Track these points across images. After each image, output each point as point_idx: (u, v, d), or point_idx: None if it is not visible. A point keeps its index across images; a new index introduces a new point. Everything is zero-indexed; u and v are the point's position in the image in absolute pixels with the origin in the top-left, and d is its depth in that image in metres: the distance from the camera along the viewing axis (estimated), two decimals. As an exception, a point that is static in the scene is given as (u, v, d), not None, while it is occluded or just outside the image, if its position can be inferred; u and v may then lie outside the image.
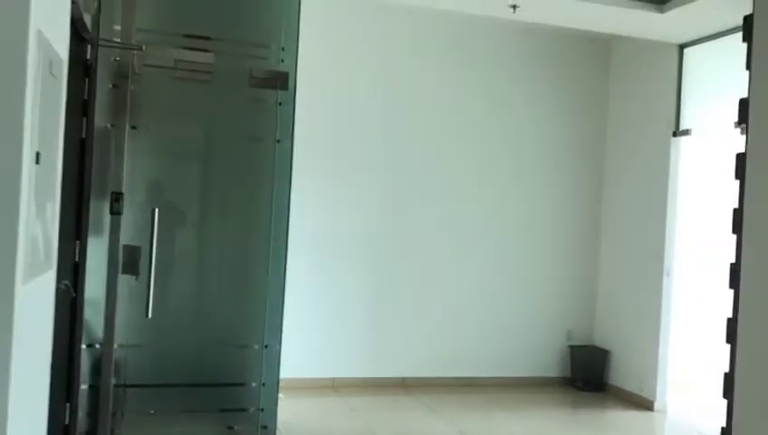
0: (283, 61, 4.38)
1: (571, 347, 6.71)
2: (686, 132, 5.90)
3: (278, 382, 4.45)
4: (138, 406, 4.23)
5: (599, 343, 6.71)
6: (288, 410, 4.87)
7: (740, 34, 2.53)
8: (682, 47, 5.99)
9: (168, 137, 4.38)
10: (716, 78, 5.69)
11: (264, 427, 4.35)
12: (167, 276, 4.30)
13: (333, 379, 6.11)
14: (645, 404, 6.01)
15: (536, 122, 6.69)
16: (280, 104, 4.34)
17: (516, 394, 6.27)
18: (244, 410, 4.45)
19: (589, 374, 6.55)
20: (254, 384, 4.38)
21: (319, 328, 6.10)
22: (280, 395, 4.49)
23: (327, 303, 6.14)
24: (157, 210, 3.95)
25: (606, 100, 6.85)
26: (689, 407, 6.13)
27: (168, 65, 4.14)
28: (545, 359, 6.71)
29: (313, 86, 5.54)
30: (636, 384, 6.19)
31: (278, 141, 4.33)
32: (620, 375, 6.39)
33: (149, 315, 3.92)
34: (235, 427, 4.43)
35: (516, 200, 6.65)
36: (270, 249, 4.34)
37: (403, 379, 6.29)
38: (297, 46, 4.39)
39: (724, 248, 6.66)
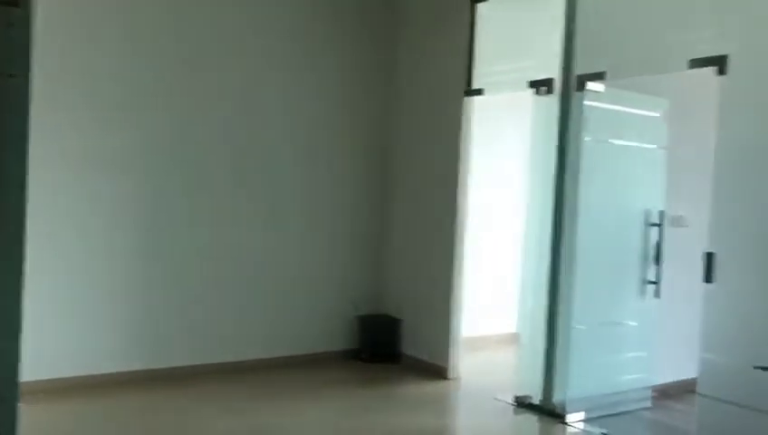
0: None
1: (360, 317, 6.32)
2: (479, 92, 5.71)
3: (17, 392, 3.37)
4: None
5: (389, 311, 6.41)
6: (37, 420, 3.78)
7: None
8: (474, 1, 5.75)
9: None
10: (510, 35, 5.54)
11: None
12: None
13: (96, 375, 5.03)
14: (439, 373, 5.83)
15: (319, 77, 6.09)
16: (11, 26, 3.18)
17: (304, 375, 5.72)
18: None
19: (380, 345, 6.22)
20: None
21: (73, 319, 4.98)
22: (22, 405, 3.41)
23: (79, 290, 5.02)
24: None
25: (395, 56, 6.45)
26: (482, 372, 6.09)
27: None
28: (332, 332, 6.24)
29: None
30: (429, 352, 5.99)
31: (10, 76, 3.18)
32: (413, 344, 6.15)
33: None
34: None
35: (293, 162, 6.01)
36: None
37: (173, 369, 5.38)
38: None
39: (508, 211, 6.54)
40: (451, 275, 5.81)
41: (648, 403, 5.26)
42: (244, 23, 5.71)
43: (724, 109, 3.99)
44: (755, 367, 3.81)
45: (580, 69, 4.89)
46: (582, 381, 4.91)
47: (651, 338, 5.28)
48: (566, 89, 4.97)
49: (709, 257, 4.01)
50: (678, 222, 5.51)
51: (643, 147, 5.22)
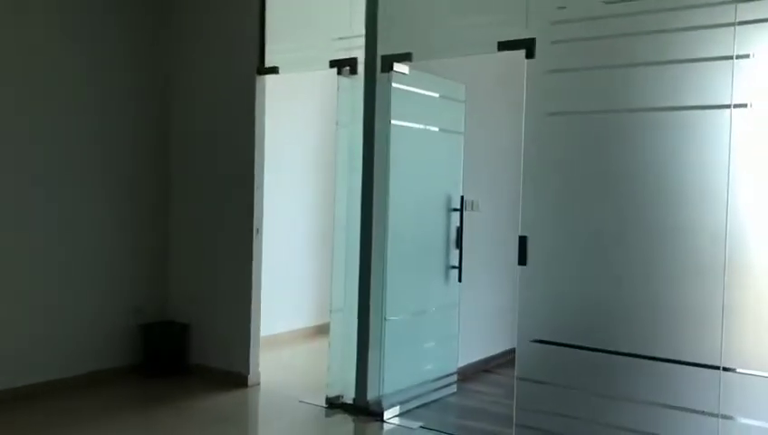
0: None
1: (142, 326, 5.54)
2: (274, 70, 5.25)
3: None
4: None
5: (176, 317, 5.70)
6: None
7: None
8: (265, -27, 5.27)
9: None
10: (309, 10, 5.15)
11: None
12: None
13: None
14: (238, 381, 5.28)
15: (90, 66, 5.19)
16: None
17: (81, 398, 4.84)
18: None
19: (167, 356, 5.49)
20: None
21: None
22: None
23: None
24: None
25: (179, 35, 5.72)
26: (287, 374, 5.66)
27: None
28: (112, 347, 5.38)
29: None
30: (224, 359, 5.41)
31: None
32: (205, 352, 5.52)
33: None
34: None
35: (58, 170, 5.07)
36: None
37: None
38: None
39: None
40: (248, 272, 5.30)
41: (454, 389, 5.26)
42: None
43: (531, 92, 4.00)
44: (532, 341, 3.91)
45: (385, 49, 4.67)
46: (397, 374, 4.73)
47: (455, 323, 5.28)
48: (371, 70, 4.72)
49: (522, 241, 4.02)
50: (472, 207, 5.59)
51: (444, 132, 5.17)
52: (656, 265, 3.62)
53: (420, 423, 4.54)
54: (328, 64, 4.91)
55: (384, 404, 4.65)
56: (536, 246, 3.99)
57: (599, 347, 3.80)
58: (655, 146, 3.63)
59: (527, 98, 4.02)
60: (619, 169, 3.74)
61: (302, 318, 7.06)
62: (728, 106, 3.41)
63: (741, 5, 3.36)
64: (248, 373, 5.29)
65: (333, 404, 4.83)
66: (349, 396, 4.81)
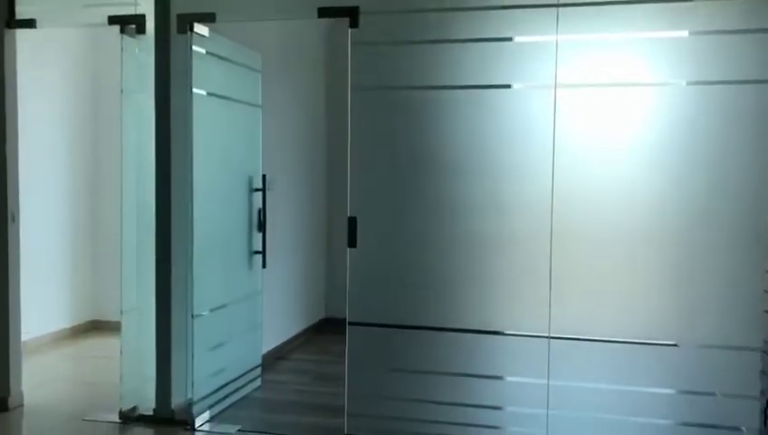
0: None
1: None
2: (29, 23, 4.27)
3: None
4: None
5: None
6: None
7: None
8: None
9: None
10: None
11: None
12: None
13: None
14: (-6, 404, 4.31)
15: None
16: None
17: None
18: None
19: None
20: None
21: None
22: None
23: None
24: None
25: None
26: (56, 386, 4.76)
27: None
28: None
29: None
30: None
31: None
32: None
33: None
34: None
35: None
36: None
37: None
38: None
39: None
40: (5, 273, 4.31)
41: (259, 382, 4.89)
42: None
43: (355, 64, 3.77)
44: (350, 323, 3.80)
45: (180, 7, 4.06)
46: (204, 375, 4.22)
47: (259, 313, 4.89)
48: (164, 30, 4.07)
49: (352, 222, 3.80)
50: (269, 185, 5.22)
51: (243, 104, 4.70)
52: (484, 241, 3.66)
53: (238, 427, 4.11)
54: (107, 20, 4.14)
55: (195, 410, 4.13)
56: (366, 227, 3.80)
57: (428, 325, 3.77)
58: (475, 122, 3.64)
59: (352, 70, 3.78)
60: (443, 145, 3.70)
61: (56, 319, 6.05)
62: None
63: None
64: (8, 394, 4.33)
65: (128, 418, 4.17)
66: (146, 407, 4.18)
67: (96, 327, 6.45)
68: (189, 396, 4.13)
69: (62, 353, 5.75)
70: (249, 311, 4.78)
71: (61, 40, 5.94)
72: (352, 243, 3.81)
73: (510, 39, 3.58)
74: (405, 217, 3.77)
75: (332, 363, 5.50)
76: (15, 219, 4.36)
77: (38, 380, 4.79)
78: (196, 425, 4.10)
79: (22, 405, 4.40)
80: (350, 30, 3.77)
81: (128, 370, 4.20)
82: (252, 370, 4.82)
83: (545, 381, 3.60)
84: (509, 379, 3.68)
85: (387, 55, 3.77)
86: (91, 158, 6.45)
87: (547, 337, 3.60)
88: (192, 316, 4.09)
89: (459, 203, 3.69)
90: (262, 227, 4.78)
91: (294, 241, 5.97)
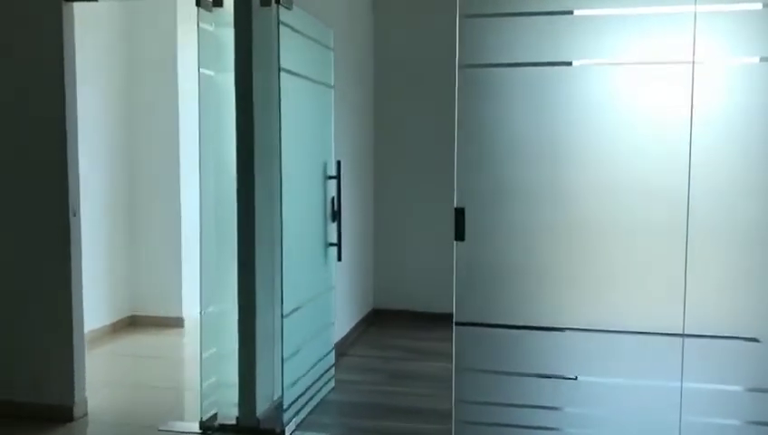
0: None
1: None
2: (90, -4, 3.88)
3: None
4: None
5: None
6: None
7: None
8: None
9: None
10: None
11: None
12: None
13: None
14: (56, 416, 3.93)
15: None
16: None
17: None
18: None
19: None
20: None
21: None
22: None
23: None
24: None
25: None
26: (115, 396, 4.40)
27: None
28: None
29: None
30: (29, 389, 3.99)
31: None
32: (9, 383, 4.02)
33: None
34: None
35: None
36: None
37: None
38: None
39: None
40: (65, 266, 3.94)
41: (333, 384, 4.58)
42: None
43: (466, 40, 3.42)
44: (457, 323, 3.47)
45: (262, -26, 3.69)
46: (291, 379, 3.89)
47: (332, 310, 4.57)
48: (245, 1, 3.69)
49: (459, 214, 3.47)
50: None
51: (318, 84, 4.33)
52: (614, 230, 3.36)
53: (328, 435, 3.81)
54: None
55: (284, 418, 3.80)
56: (473, 219, 3.47)
57: (545, 325, 3.47)
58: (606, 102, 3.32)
59: (460, 46, 3.43)
60: (561, 125, 3.38)
61: (98, 315, 5.67)
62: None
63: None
64: (73, 403, 3.97)
65: (209, 428, 3.83)
66: (226, 415, 3.86)
67: (134, 323, 6.10)
68: (278, 402, 3.81)
69: (107, 352, 5.39)
70: (324, 307, 4.45)
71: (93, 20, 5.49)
72: (460, 236, 3.49)
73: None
74: (514, 206, 3.46)
75: (401, 360, 5.21)
76: (77, 214, 3.99)
77: (94, 383, 4.42)
78: (287, 434, 3.78)
79: (86, 414, 4.05)
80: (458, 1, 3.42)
81: (210, 374, 3.86)
82: (327, 371, 4.50)
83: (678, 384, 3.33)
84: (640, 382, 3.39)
85: (496, 31, 3.43)
86: (129, 149, 6.05)
87: (681, 335, 3.33)
88: (282, 316, 3.74)
89: (575, 189, 3.38)
90: (336, 216, 4.44)
91: (353, 231, 5.64)
